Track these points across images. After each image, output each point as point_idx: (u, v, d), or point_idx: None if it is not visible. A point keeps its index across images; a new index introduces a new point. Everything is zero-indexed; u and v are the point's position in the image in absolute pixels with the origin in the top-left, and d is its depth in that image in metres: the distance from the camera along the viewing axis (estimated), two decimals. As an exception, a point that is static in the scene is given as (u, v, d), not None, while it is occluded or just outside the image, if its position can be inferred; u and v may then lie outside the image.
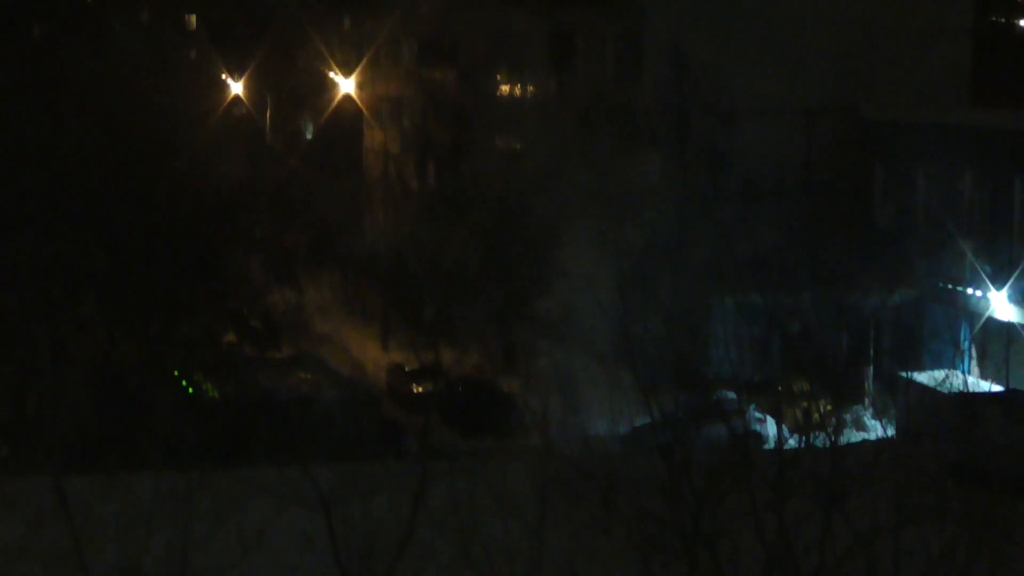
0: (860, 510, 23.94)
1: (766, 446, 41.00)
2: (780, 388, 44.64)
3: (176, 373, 47.37)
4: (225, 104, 76.72)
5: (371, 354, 62.14)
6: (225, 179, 59.61)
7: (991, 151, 49.99)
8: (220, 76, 78.65)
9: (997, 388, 46.13)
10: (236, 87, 79.03)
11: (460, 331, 53.70)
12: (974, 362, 49.15)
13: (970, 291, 48.94)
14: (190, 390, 47.54)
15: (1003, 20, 76.97)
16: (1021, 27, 78.23)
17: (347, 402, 48.24)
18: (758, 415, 44.40)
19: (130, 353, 46.59)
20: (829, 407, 42.20)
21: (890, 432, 45.71)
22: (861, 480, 25.13)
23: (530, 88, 65.93)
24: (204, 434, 36.46)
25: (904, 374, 46.94)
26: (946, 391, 43.86)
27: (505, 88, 67.75)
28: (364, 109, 76.20)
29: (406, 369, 56.57)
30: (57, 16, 69.57)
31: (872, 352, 49.39)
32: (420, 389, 53.88)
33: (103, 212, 48.13)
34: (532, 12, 63.41)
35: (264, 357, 53.50)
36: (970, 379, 47.28)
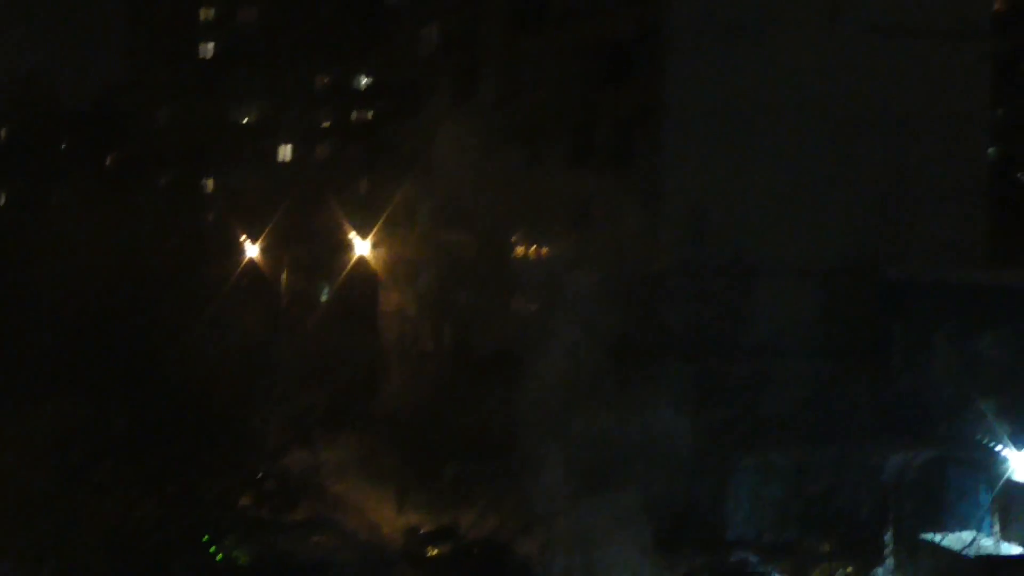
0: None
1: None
2: (801, 549, 44.37)
3: (205, 539, 46.97)
4: (241, 267, 77.08)
5: (386, 516, 61.64)
6: (242, 342, 59.65)
7: (1010, 310, 49.93)
8: (236, 239, 79.13)
9: (1017, 551, 45.61)
10: (252, 250, 79.47)
11: (477, 494, 53.36)
12: (996, 525, 48.62)
13: (991, 452, 48.58)
14: (219, 557, 47.12)
15: (1020, 179, 77.38)
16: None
17: (363, 565, 47.79)
18: (777, 575, 44.03)
19: (148, 515, 46.28)
20: (850, 569, 41.90)
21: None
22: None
23: (546, 250, 66.12)
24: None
25: (925, 536, 46.53)
26: (969, 555, 43.49)
27: (521, 249, 67.94)
28: (379, 271, 76.48)
29: (421, 531, 56.11)
30: (76, 181, 70.20)
31: (892, 513, 48.93)
32: (435, 552, 53.38)
33: (121, 375, 48.11)
34: (549, 172, 63.79)
35: (280, 520, 53.10)
36: (991, 542, 46.82)
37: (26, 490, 39.52)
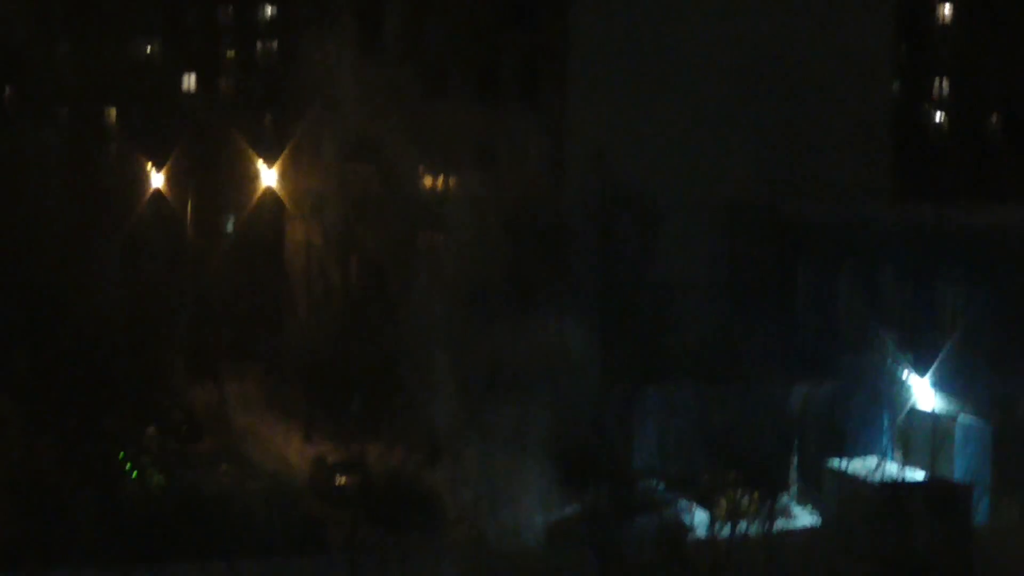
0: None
1: (693, 535, 40.88)
2: (707, 478, 44.73)
3: (121, 456, 46.82)
4: (146, 198, 76.35)
5: (293, 448, 61.58)
6: (146, 273, 59.22)
7: (912, 245, 50.44)
8: (140, 170, 78.31)
9: (920, 476, 46.31)
10: (157, 180, 78.67)
11: (383, 425, 53.39)
12: (899, 451, 49.34)
13: (893, 382, 49.22)
14: (134, 474, 46.93)
15: (922, 118, 78.01)
16: (940, 123, 79.31)
17: (269, 495, 47.71)
18: (684, 505, 44.32)
19: (50, 449, 45.95)
20: (756, 496, 42.28)
21: (816, 520, 45.95)
22: (792, 571, 25.07)
23: (452, 182, 66.02)
24: (127, 530, 35.92)
25: (830, 463, 47.12)
26: (874, 480, 44.11)
27: (427, 182, 67.78)
28: (286, 202, 76.01)
29: (328, 462, 56.09)
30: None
31: (797, 442, 49.45)
32: (343, 481, 53.40)
33: (23, 308, 47.59)
34: (455, 107, 63.62)
35: (186, 451, 52.96)
36: (893, 467, 47.56)
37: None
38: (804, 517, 47.38)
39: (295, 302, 72.66)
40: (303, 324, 69.09)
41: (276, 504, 46.18)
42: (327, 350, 62.34)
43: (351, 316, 63.77)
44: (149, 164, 78.58)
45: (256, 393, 66.69)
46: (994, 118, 78.06)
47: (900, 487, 42.39)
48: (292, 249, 77.51)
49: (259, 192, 76.24)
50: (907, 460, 48.47)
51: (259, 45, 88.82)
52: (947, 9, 79.66)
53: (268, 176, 75.31)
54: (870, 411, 49.69)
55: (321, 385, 61.11)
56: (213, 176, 79.72)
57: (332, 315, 66.71)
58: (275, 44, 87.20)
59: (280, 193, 75.60)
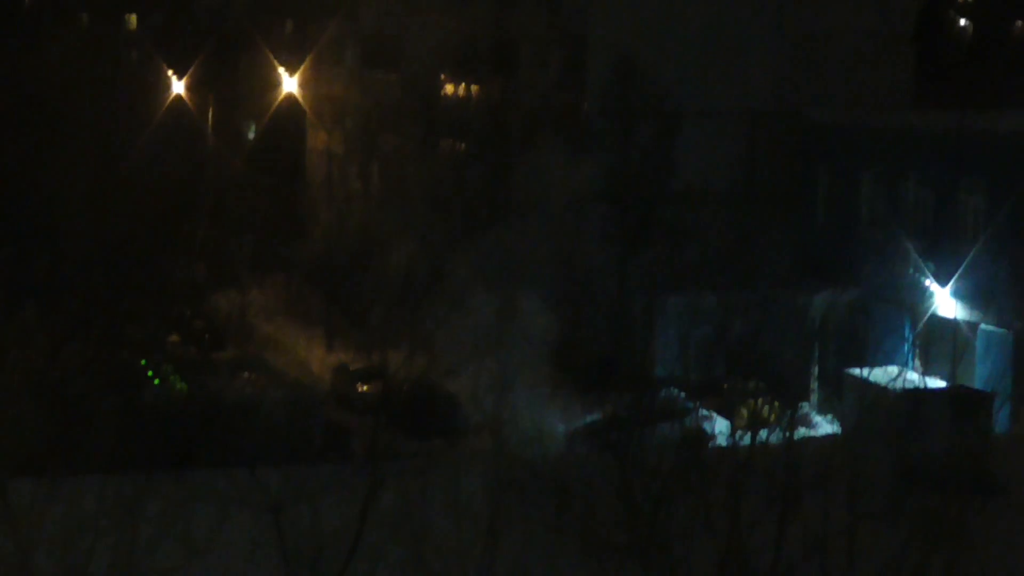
0: (813, 510, 23.89)
1: (714, 444, 41.01)
2: (728, 387, 44.77)
3: (143, 363, 47.08)
4: (167, 105, 76.22)
5: (316, 355, 61.81)
6: (167, 181, 59.19)
7: (935, 152, 50.21)
8: (161, 77, 78.15)
9: (941, 384, 46.32)
10: (178, 87, 78.51)
11: (406, 332, 53.46)
12: (918, 360, 49.36)
13: (914, 290, 49.18)
14: (156, 381, 47.21)
15: (946, 23, 77.32)
16: (964, 29, 78.66)
17: (291, 403, 47.94)
18: (705, 414, 44.41)
19: (73, 357, 46.13)
20: (777, 405, 42.31)
21: (836, 429, 46.05)
22: (813, 480, 25.09)
23: (474, 89, 65.80)
24: (149, 437, 36.09)
25: (850, 371, 47.13)
26: (893, 388, 44.13)
27: (449, 89, 67.57)
28: (307, 109, 75.87)
29: (351, 369, 56.31)
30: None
31: (818, 351, 49.51)
32: (365, 389, 53.62)
33: (43, 216, 47.63)
34: (477, 15, 63.28)
35: (208, 358, 53.15)
36: (914, 375, 47.56)
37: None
38: (825, 426, 47.51)
39: (317, 210, 72.71)
40: (325, 232, 69.18)
41: (298, 412, 46.42)
42: (348, 258, 62.43)
43: (372, 224, 63.80)
44: (170, 71, 78.39)
45: (278, 302, 66.84)
46: (1020, 24, 77.42)
47: (921, 394, 42.37)
48: (313, 157, 77.46)
49: (280, 100, 76.08)
50: (928, 368, 48.47)
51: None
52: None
53: (290, 83, 75.13)
54: (891, 319, 49.68)
55: (343, 293, 61.24)
56: (234, 83, 79.55)
57: (354, 223, 66.76)
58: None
59: (301, 101, 75.43)
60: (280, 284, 68.42)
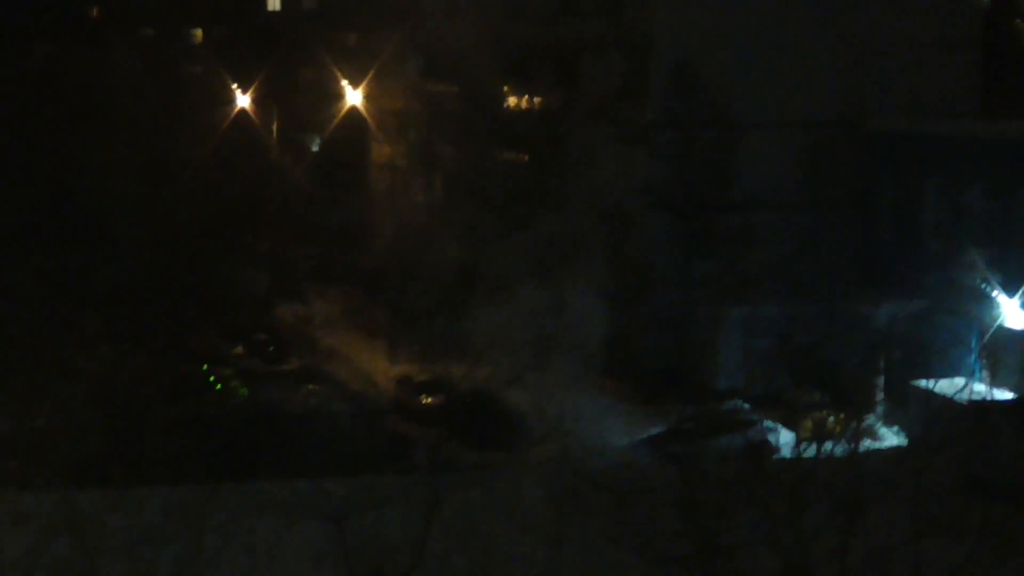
0: (877, 522, 23.73)
1: (777, 456, 40.86)
2: (792, 399, 44.57)
3: (205, 368, 47.35)
4: (231, 118, 76.65)
5: (378, 368, 61.92)
6: (231, 193, 59.54)
7: (1000, 161, 49.83)
8: (226, 90, 78.57)
9: (1008, 396, 45.94)
10: (242, 100, 78.94)
11: (468, 345, 53.49)
12: (985, 371, 48.96)
13: (981, 301, 48.80)
14: (218, 386, 47.43)
15: (1013, 29, 76.71)
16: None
17: (354, 415, 48.07)
18: (769, 425, 44.28)
19: (136, 367, 46.47)
20: (842, 417, 42.09)
21: (902, 441, 45.77)
22: (877, 491, 24.93)
23: (536, 100, 65.82)
24: (215, 448, 36.33)
25: (916, 383, 46.81)
26: (959, 399, 43.81)
27: (511, 101, 67.62)
28: (370, 122, 76.11)
29: (413, 381, 56.38)
30: (62, 31, 69.54)
31: (883, 363, 49.18)
32: (428, 401, 53.69)
33: (110, 227, 48.03)
34: (538, 24, 63.27)
35: (272, 370, 53.38)
36: (981, 388, 47.18)
37: (13, 343, 39.55)
38: (890, 438, 47.19)
39: (379, 222, 72.91)
40: (387, 244, 69.35)
41: (361, 423, 46.54)
42: (411, 270, 62.56)
43: (435, 237, 63.91)
44: (235, 84, 78.84)
45: (342, 313, 67.00)
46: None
47: (987, 406, 42.10)
48: (376, 169, 77.70)
49: (344, 112, 76.34)
50: (994, 380, 48.07)
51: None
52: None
53: (353, 96, 75.38)
54: (957, 330, 49.30)
55: (406, 305, 61.34)
56: (298, 96, 79.88)
57: (416, 236, 66.89)
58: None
59: (365, 113, 75.69)
60: (343, 296, 68.58)
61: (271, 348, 59.20)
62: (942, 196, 52.18)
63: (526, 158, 63.79)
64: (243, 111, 78.90)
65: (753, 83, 57.00)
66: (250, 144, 75.08)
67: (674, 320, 52.04)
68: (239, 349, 54.08)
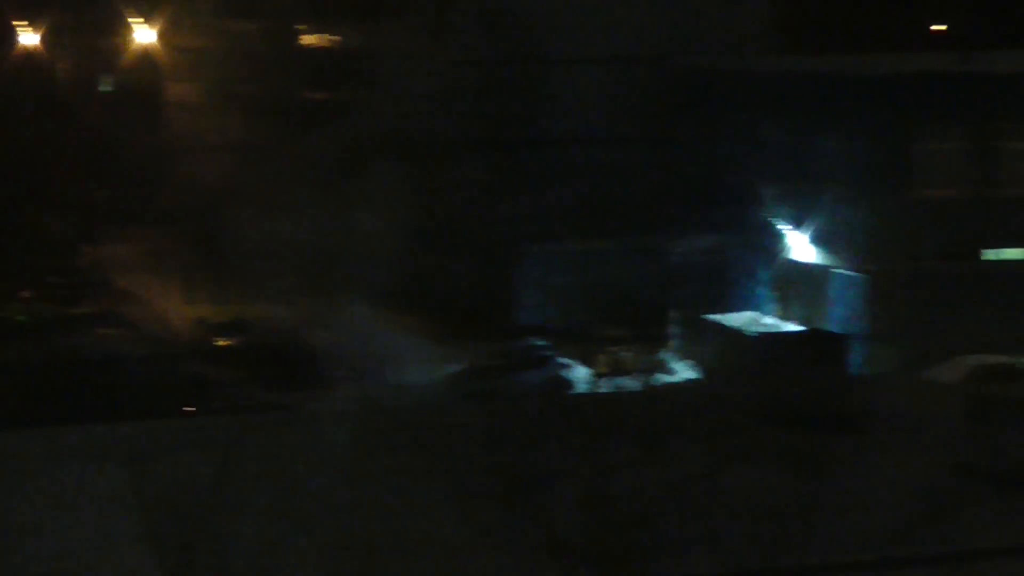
0: (675, 453, 24.15)
1: (574, 391, 41.29)
2: (588, 334, 45.10)
3: None
4: (17, 56, 74.73)
5: (177, 309, 61.13)
6: (16, 136, 58.17)
7: (793, 98, 50.61)
8: (7, 29, 76.51)
9: (798, 328, 46.90)
10: (29, 39, 76.99)
11: (267, 286, 53.15)
12: (776, 305, 49.90)
13: (771, 235, 49.66)
14: None
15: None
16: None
17: (151, 357, 47.43)
18: (567, 361, 44.69)
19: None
20: (637, 351, 42.74)
21: (696, 375, 46.55)
22: (674, 423, 25.36)
23: (338, 39, 65.25)
24: (4, 393, 35.60)
25: (709, 317, 47.64)
26: (751, 333, 44.76)
27: (312, 39, 66.95)
28: (165, 61, 74.78)
29: (212, 323, 55.78)
30: None
31: (677, 297, 49.86)
32: (226, 343, 53.17)
33: None
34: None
35: (64, 314, 52.37)
36: (771, 319, 48.26)
37: None
38: (684, 371, 47.97)
39: (176, 162, 71.79)
40: (184, 184, 68.36)
41: (158, 366, 45.96)
42: (209, 210, 61.81)
43: (235, 177, 63.20)
44: (21, 22, 76.88)
45: (140, 255, 65.99)
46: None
47: (778, 338, 42.97)
48: (172, 108, 76.44)
49: (137, 50, 74.91)
50: (785, 312, 49.13)
51: None
52: None
53: (147, 34, 73.99)
54: (748, 264, 50.22)
55: (203, 246, 60.61)
56: (88, 34, 78.15)
57: (213, 175, 66.06)
58: None
59: (159, 51, 74.36)
60: (142, 238, 67.52)
61: (62, 292, 58.10)
62: (739, 132, 52.86)
63: (328, 97, 63.32)
64: (29, 50, 76.94)
65: (558, 19, 57.15)
66: (39, 84, 73.33)
67: (476, 257, 52.19)
68: (27, 293, 52.97)
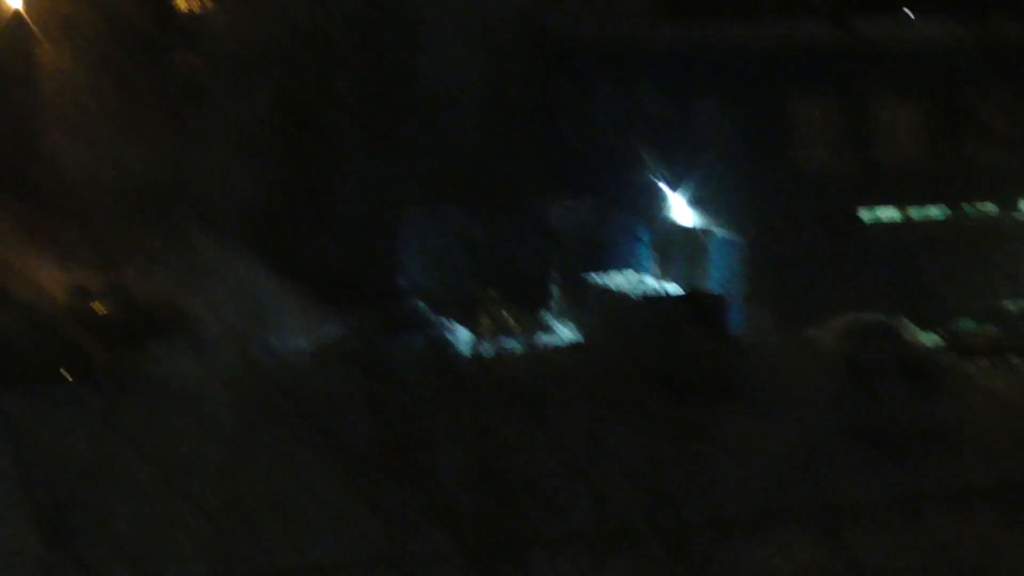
0: (558, 415, 24.17)
1: (455, 352, 41.30)
2: (470, 296, 45.14)
3: None
4: None
5: (49, 277, 60.37)
6: None
7: (672, 63, 50.84)
8: None
9: (676, 290, 47.27)
10: None
11: (143, 251, 52.66)
12: (655, 266, 50.25)
13: (650, 197, 49.95)
14: None
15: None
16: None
17: (25, 325, 46.81)
18: (448, 324, 44.72)
19: None
20: (518, 313, 42.82)
21: (577, 336, 46.82)
22: (557, 385, 25.42)
23: (209, 4, 64.58)
24: None
25: (590, 278, 47.90)
26: (631, 294, 45.07)
27: (182, 4, 66.22)
28: (34, 26, 73.63)
29: (88, 290, 55.13)
30: None
31: (558, 259, 50.07)
32: (103, 310, 52.58)
33: None
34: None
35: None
36: (651, 280, 48.67)
37: None
38: (566, 333, 48.17)
39: (49, 130, 70.84)
40: (58, 152, 67.50)
41: (33, 334, 45.39)
42: (89, 180, 61.13)
43: (113, 145, 62.53)
44: None
45: (14, 224, 65.12)
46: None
47: (658, 300, 43.31)
48: (47, 77, 75.34)
49: (5, 17, 73.71)
50: (664, 274, 49.53)
51: None
52: None
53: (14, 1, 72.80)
54: (629, 226, 50.51)
55: (78, 213, 59.93)
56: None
57: (88, 142, 65.29)
58: None
59: (28, 16, 73.21)
60: (10, 206, 66.61)
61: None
62: (616, 98, 53.05)
63: (198, 62, 62.72)
64: None
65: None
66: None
67: (356, 221, 52.01)
68: None
